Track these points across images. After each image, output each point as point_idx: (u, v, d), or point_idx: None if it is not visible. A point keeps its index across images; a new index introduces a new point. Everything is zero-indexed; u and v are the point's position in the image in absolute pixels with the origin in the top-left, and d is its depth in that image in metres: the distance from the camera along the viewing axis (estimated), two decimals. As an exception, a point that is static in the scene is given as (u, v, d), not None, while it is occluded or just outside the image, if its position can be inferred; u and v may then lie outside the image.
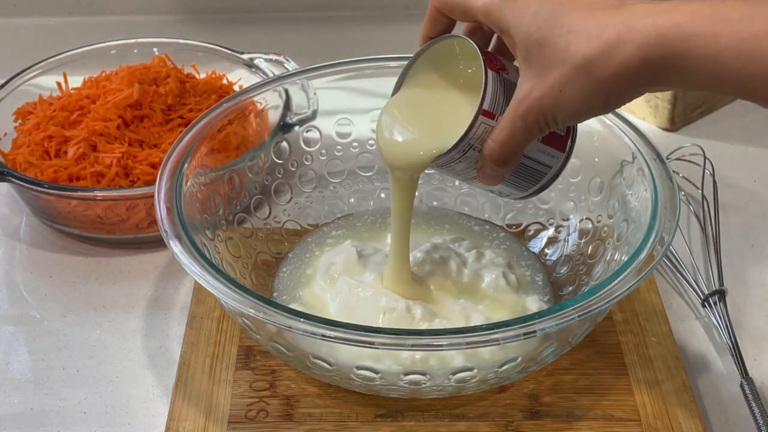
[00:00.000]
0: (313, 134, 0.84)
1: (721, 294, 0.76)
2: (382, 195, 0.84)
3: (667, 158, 0.73)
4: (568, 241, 0.77)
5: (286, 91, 0.84)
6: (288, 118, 0.83)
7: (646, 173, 0.70)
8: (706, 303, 0.76)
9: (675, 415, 0.66)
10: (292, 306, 0.69)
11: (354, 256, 0.74)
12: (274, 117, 0.83)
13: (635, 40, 0.52)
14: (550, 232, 0.79)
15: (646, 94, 0.58)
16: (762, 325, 0.77)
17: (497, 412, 0.67)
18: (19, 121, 0.91)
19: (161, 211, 0.67)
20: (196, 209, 0.71)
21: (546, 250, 0.78)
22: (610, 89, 0.54)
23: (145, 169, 0.83)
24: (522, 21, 0.55)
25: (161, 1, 1.17)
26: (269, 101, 0.82)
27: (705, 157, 0.85)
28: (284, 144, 0.82)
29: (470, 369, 0.62)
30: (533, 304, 0.72)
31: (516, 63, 0.59)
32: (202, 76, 0.96)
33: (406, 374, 0.62)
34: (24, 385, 0.72)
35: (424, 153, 0.63)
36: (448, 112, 0.63)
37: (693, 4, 0.52)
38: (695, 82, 0.53)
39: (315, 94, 0.84)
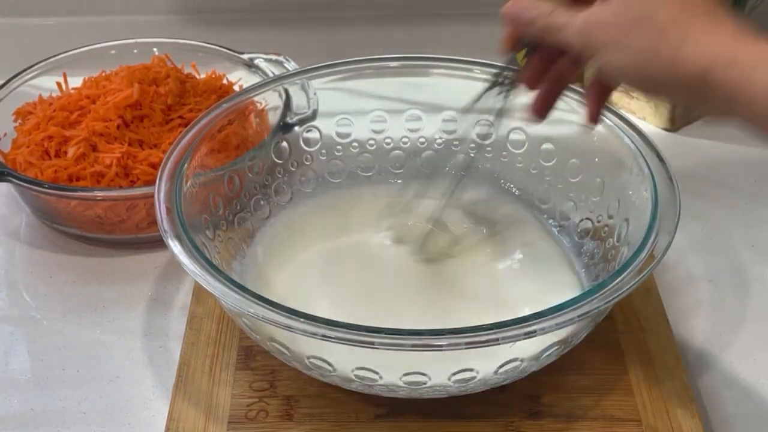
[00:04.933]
0: (313, 134, 0.84)
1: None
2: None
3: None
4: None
5: (286, 91, 0.84)
6: (288, 118, 0.83)
7: (646, 173, 0.70)
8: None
9: (675, 415, 0.66)
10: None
11: None
12: (274, 117, 0.83)
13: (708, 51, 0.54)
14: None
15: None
16: (763, 324, 0.77)
17: (497, 412, 0.67)
18: (19, 121, 0.91)
19: (161, 211, 0.67)
20: (196, 209, 0.71)
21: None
22: (665, 70, 0.55)
23: (145, 169, 0.83)
24: None
25: (161, 1, 1.17)
26: (269, 101, 0.82)
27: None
28: (284, 144, 0.82)
29: (470, 369, 0.62)
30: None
31: None
32: (202, 76, 0.96)
33: (406, 374, 0.62)
34: (24, 385, 0.72)
35: None
36: None
37: None
38: (742, 112, 0.54)
39: (315, 94, 0.84)
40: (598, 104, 0.65)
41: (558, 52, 0.64)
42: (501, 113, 0.70)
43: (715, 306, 0.79)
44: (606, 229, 0.74)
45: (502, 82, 0.68)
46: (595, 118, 0.66)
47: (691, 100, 0.57)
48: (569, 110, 0.74)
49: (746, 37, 0.54)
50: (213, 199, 0.75)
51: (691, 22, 0.55)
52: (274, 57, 0.95)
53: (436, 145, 0.85)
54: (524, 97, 0.67)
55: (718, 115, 0.57)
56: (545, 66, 0.65)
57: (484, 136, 0.82)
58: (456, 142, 0.84)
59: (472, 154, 0.82)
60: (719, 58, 0.53)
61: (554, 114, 0.71)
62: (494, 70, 0.70)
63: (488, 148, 0.84)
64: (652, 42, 0.55)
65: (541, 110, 0.67)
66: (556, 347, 0.64)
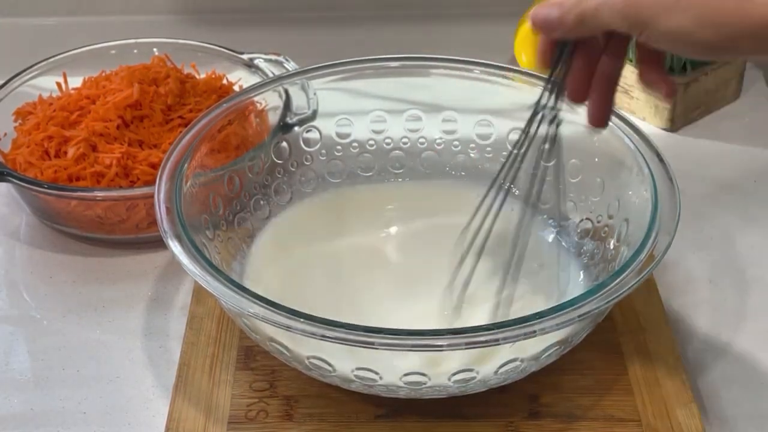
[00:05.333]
0: (313, 134, 0.84)
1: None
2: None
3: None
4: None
5: (286, 92, 0.84)
6: (288, 119, 0.83)
7: (646, 173, 0.70)
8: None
9: (675, 415, 0.66)
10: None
11: None
12: (274, 117, 0.83)
13: None
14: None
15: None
16: (763, 324, 0.77)
17: (497, 412, 0.67)
18: (19, 121, 0.91)
19: (161, 211, 0.67)
20: (196, 209, 0.71)
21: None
22: (734, 24, 0.52)
23: (145, 169, 0.83)
24: None
25: (161, 1, 1.17)
26: (269, 101, 0.82)
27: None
28: (284, 144, 0.82)
29: (470, 369, 0.62)
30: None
31: None
32: (202, 76, 0.96)
33: (407, 374, 0.62)
34: (24, 385, 0.72)
35: None
36: None
37: None
38: None
39: (315, 94, 0.83)
40: (607, 101, 0.62)
41: (597, 52, 0.60)
42: (554, 139, 0.66)
43: (715, 306, 0.79)
44: (606, 229, 0.74)
45: (546, 105, 0.64)
46: (603, 118, 0.62)
47: (760, 51, 0.53)
48: (569, 110, 0.73)
49: None
50: (213, 199, 0.75)
51: None
52: (274, 57, 0.95)
53: (436, 145, 0.85)
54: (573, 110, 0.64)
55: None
56: (587, 73, 0.61)
57: (485, 136, 0.83)
58: (456, 142, 0.84)
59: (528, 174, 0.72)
60: None
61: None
62: (536, 96, 0.65)
63: (488, 148, 0.84)
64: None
65: (600, 119, 0.63)
66: (556, 347, 0.64)
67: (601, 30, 0.57)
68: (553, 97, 0.63)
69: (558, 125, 0.65)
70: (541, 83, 0.65)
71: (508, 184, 0.68)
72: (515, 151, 0.67)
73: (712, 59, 0.54)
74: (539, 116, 0.65)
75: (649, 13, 0.53)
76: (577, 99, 0.63)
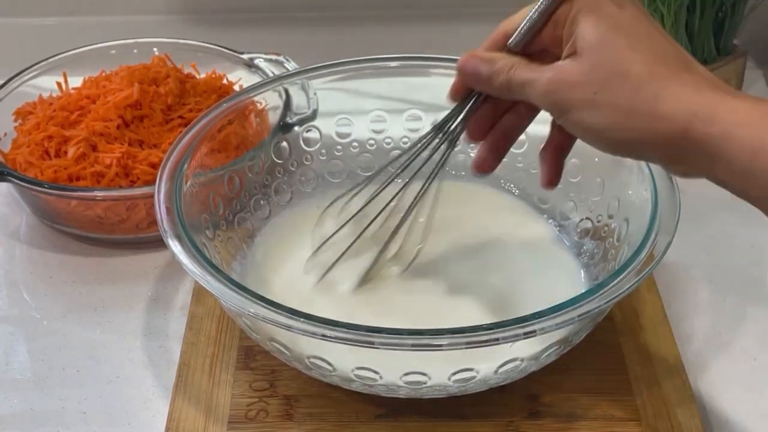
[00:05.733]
0: (313, 134, 0.84)
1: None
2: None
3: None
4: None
5: (286, 91, 0.84)
6: (288, 118, 0.83)
7: (646, 173, 0.70)
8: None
9: (675, 415, 0.66)
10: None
11: None
12: (274, 117, 0.83)
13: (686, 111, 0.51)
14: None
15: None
16: (763, 324, 0.77)
17: (497, 412, 0.67)
18: (19, 121, 0.91)
19: (161, 211, 0.67)
20: (196, 209, 0.71)
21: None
22: (642, 128, 0.53)
23: (145, 169, 0.83)
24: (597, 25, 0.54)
25: (161, 1, 1.17)
26: (269, 101, 0.82)
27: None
28: (284, 144, 0.82)
29: (470, 369, 0.62)
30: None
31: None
32: (202, 76, 0.96)
33: (406, 374, 0.62)
34: (24, 385, 0.72)
35: None
36: None
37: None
38: (721, 171, 0.52)
39: (315, 94, 0.84)
40: (558, 164, 0.63)
41: (508, 106, 0.62)
42: (441, 163, 0.67)
43: (715, 306, 0.79)
44: (606, 228, 0.74)
45: (446, 132, 0.65)
46: (553, 181, 0.63)
47: (669, 159, 0.54)
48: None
49: (724, 90, 0.52)
50: (213, 199, 0.75)
51: (668, 76, 0.52)
52: (274, 57, 0.95)
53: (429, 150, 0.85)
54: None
55: (696, 174, 0.54)
56: (493, 118, 0.63)
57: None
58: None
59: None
60: (699, 113, 0.51)
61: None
62: (438, 121, 0.66)
63: (425, 139, 0.83)
64: (628, 99, 0.52)
65: (486, 165, 0.64)
66: (556, 347, 0.64)
67: (522, 100, 0.58)
68: (455, 126, 0.64)
69: (450, 149, 0.66)
70: None
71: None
72: (408, 156, 0.69)
73: (624, 157, 0.56)
74: (437, 140, 0.66)
75: (568, 104, 0.55)
76: (475, 139, 0.64)
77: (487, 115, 0.63)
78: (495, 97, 0.62)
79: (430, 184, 0.68)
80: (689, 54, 0.55)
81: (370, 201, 0.70)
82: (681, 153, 0.52)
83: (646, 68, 0.53)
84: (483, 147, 0.65)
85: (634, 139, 0.53)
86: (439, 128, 0.66)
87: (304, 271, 0.72)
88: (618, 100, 0.53)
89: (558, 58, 0.56)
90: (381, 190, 0.70)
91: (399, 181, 0.70)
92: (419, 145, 0.67)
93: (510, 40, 0.59)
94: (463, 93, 0.63)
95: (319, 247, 0.71)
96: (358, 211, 0.70)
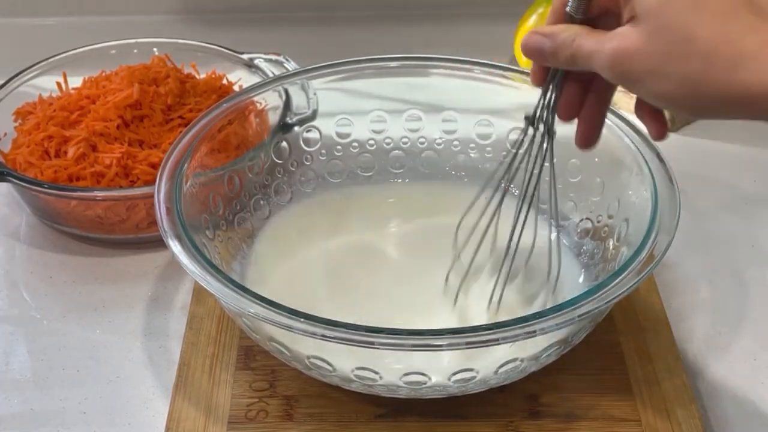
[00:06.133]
0: (313, 134, 0.84)
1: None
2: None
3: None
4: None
5: (286, 91, 0.84)
6: (288, 118, 0.83)
7: (646, 173, 0.70)
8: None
9: (675, 415, 0.66)
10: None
11: None
12: (274, 117, 0.83)
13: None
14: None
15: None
16: (763, 324, 0.77)
17: (497, 412, 0.67)
18: (19, 121, 0.91)
19: (161, 211, 0.67)
20: (196, 209, 0.71)
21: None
22: (720, 94, 0.49)
23: (145, 169, 0.83)
24: None
25: (161, 1, 1.17)
26: (269, 101, 0.82)
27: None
28: (284, 144, 0.82)
29: (470, 369, 0.62)
30: None
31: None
32: (202, 76, 0.96)
33: (407, 374, 0.62)
34: (24, 385, 0.72)
35: None
36: None
37: None
38: None
39: (315, 94, 0.84)
40: (595, 123, 0.61)
41: (591, 74, 0.58)
42: (544, 155, 0.65)
43: (715, 306, 0.79)
44: (606, 229, 0.74)
45: (539, 120, 0.63)
46: (592, 139, 0.61)
47: (750, 117, 0.51)
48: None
49: None
50: (213, 199, 0.75)
51: (741, 36, 0.48)
52: (274, 57, 0.95)
53: (436, 145, 0.85)
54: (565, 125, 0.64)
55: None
56: (579, 93, 0.61)
57: (485, 136, 0.83)
58: (456, 142, 0.84)
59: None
60: None
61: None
62: (535, 97, 0.64)
63: (488, 148, 0.84)
64: (699, 68, 0.49)
65: (589, 138, 0.62)
66: (556, 347, 0.64)
67: (591, 71, 0.56)
68: (545, 113, 0.63)
69: (551, 139, 0.64)
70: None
71: (505, 185, 0.68)
72: (509, 160, 0.67)
73: (702, 118, 0.52)
74: (532, 131, 0.65)
75: (635, 76, 0.52)
76: (568, 117, 0.62)
77: (574, 88, 0.61)
78: (576, 72, 0.59)
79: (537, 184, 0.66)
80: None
81: (493, 216, 0.68)
82: (764, 111, 0.49)
83: (714, 30, 0.49)
84: (581, 122, 0.62)
85: (712, 104, 0.50)
86: (531, 121, 0.64)
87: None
88: (688, 69, 0.50)
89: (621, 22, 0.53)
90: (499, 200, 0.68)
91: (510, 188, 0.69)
92: (517, 146, 0.65)
93: (567, 7, 0.56)
94: (541, 75, 0.61)
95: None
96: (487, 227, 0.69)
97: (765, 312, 0.78)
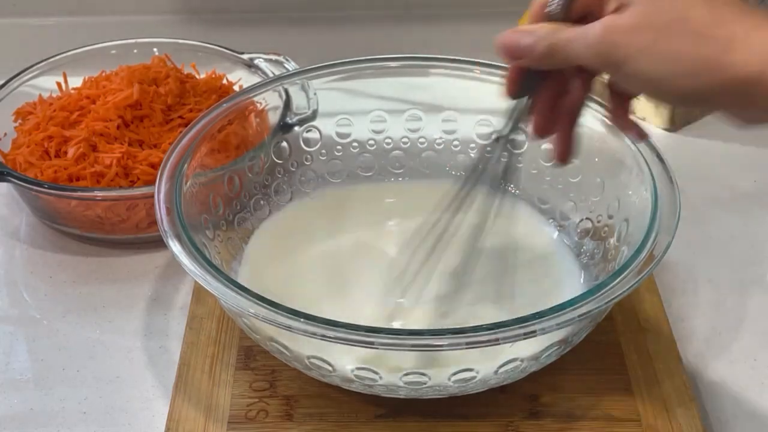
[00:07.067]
0: (313, 134, 0.84)
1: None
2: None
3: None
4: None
5: (286, 91, 0.84)
6: (288, 118, 0.83)
7: (646, 173, 0.70)
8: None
9: (675, 415, 0.66)
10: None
11: None
12: (274, 117, 0.83)
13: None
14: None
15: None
16: (763, 324, 0.77)
17: (497, 412, 0.67)
18: (19, 121, 0.91)
19: (161, 211, 0.67)
20: (196, 209, 0.71)
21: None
22: (710, 76, 0.50)
23: (145, 169, 0.83)
24: None
25: (161, 1, 1.17)
26: (269, 101, 0.82)
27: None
28: (284, 144, 0.82)
29: (470, 369, 0.62)
30: None
31: None
32: (202, 76, 0.96)
33: (407, 374, 0.62)
34: (24, 385, 0.72)
35: None
36: None
37: None
38: None
39: (315, 94, 0.84)
40: (568, 138, 0.61)
41: (562, 88, 0.59)
42: (508, 169, 0.67)
43: (715, 306, 0.79)
44: (606, 229, 0.74)
45: (508, 135, 0.64)
46: (566, 155, 0.61)
47: (737, 106, 0.51)
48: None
49: None
50: (213, 199, 0.75)
51: (732, 19, 0.49)
52: (274, 57, 0.95)
53: (436, 145, 0.85)
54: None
55: (761, 121, 0.51)
56: (551, 109, 0.60)
57: (484, 137, 0.83)
58: (456, 142, 0.84)
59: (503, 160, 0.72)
60: None
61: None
62: (499, 126, 0.64)
63: (488, 149, 0.83)
64: (692, 46, 0.49)
65: (563, 154, 0.62)
66: (556, 347, 0.64)
67: (570, 64, 0.55)
68: (512, 126, 0.63)
69: (510, 156, 0.65)
70: None
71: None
72: (470, 174, 0.68)
73: (684, 107, 0.51)
74: (500, 144, 0.65)
75: (624, 53, 0.51)
76: (542, 134, 0.62)
77: (546, 104, 0.60)
78: (548, 84, 0.59)
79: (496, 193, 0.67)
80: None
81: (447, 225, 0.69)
82: (751, 99, 0.50)
83: (708, 12, 0.50)
84: (556, 138, 0.62)
85: (700, 87, 0.50)
86: (500, 133, 0.64)
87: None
88: (681, 47, 0.50)
89: None
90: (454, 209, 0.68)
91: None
92: (483, 157, 0.66)
93: (548, 7, 0.56)
94: (515, 83, 0.60)
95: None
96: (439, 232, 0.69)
97: (765, 312, 0.78)
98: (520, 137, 0.81)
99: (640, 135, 0.60)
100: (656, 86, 0.52)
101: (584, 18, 0.55)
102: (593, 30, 0.52)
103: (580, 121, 0.62)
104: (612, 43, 0.52)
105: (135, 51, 0.98)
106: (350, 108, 0.84)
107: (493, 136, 0.65)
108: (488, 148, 0.66)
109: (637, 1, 0.51)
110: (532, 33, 0.55)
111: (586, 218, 0.77)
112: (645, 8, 0.51)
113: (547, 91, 0.60)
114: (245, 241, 0.77)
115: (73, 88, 0.93)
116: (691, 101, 0.53)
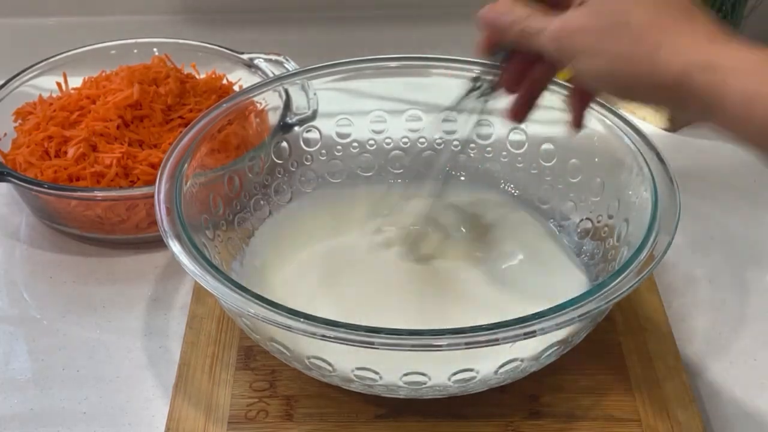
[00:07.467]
0: (313, 134, 0.84)
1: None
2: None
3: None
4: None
5: (286, 91, 0.84)
6: (288, 119, 0.83)
7: (646, 173, 0.70)
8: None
9: (675, 415, 0.66)
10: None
11: None
12: (274, 117, 0.83)
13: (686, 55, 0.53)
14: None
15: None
16: (763, 324, 0.77)
17: (497, 412, 0.67)
18: (19, 121, 0.91)
19: (161, 211, 0.67)
20: (196, 209, 0.71)
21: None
22: (641, 76, 0.54)
23: (145, 169, 0.83)
24: None
25: (161, 1, 1.17)
26: (269, 101, 0.82)
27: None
28: (284, 144, 0.82)
29: (470, 369, 0.62)
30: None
31: None
32: (202, 76, 0.96)
33: (406, 374, 0.62)
34: (24, 385, 0.72)
35: None
36: None
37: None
38: (719, 118, 0.53)
39: (315, 94, 0.84)
40: (580, 109, 0.65)
41: (536, 56, 0.63)
42: (480, 116, 0.70)
43: (715, 306, 0.79)
44: (606, 229, 0.74)
45: (481, 86, 0.68)
46: (578, 122, 0.66)
47: (670, 105, 0.56)
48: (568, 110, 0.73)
49: (722, 38, 0.53)
50: (213, 199, 0.75)
51: (667, 25, 0.54)
52: (274, 57, 0.95)
53: (436, 145, 0.85)
54: (503, 99, 0.67)
55: (698, 120, 0.56)
56: (524, 69, 0.65)
57: (485, 137, 0.83)
58: (456, 142, 0.84)
59: (456, 149, 0.82)
60: (696, 62, 0.52)
61: (554, 114, 0.71)
62: (473, 74, 0.69)
63: (488, 148, 0.84)
64: (627, 48, 0.54)
65: (519, 114, 0.67)
66: (556, 347, 0.64)
67: (535, 51, 0.59)
68: (487, 82, 0.67)
69: (485, 102, 0.68)
70: None
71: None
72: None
73: (631, 101, 0.58)
74: (474, 93, 0.69)
75: (572, 51, 0.56)
76: (508, 89, 0.66)
77: (518, 66, 0.65)
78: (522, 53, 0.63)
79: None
80: (693, 3, 0.56)
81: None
82: (681, 100, 0.54)
83: (647, 18, 0.54)
84: (517, 98, 0.67)
85: (634, 86, 0.55)
86: (474, 80, 0.68)
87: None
88: (619, 48, 0.55)
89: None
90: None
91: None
92: (458, 101, 0.70)
93: None
94: (489, 47, 0.64)
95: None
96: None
97: (765, 312, 0.78)
98: (521, 137, 0.82)
99: (573, 125, 0.66)
100: (599, 81, 0.57)
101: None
102: (552, 25, 0.57)
103: (545, 90, 0.66)
104: (564, 41, 0.57)
105: (135, 51, 0.98)
106: (350, 108, 0.84)
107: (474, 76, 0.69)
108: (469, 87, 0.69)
109: (591, 1, 0.56)
110: (508, 14, 0.60)
111: (586, 218, 0.77)
112: (595, 10, 0.56)
113: (520, 55, 0.64)
114: (245, 241, 0.77)
115: (73, 88, 0.93)
116: (630, 96, 0.57)
